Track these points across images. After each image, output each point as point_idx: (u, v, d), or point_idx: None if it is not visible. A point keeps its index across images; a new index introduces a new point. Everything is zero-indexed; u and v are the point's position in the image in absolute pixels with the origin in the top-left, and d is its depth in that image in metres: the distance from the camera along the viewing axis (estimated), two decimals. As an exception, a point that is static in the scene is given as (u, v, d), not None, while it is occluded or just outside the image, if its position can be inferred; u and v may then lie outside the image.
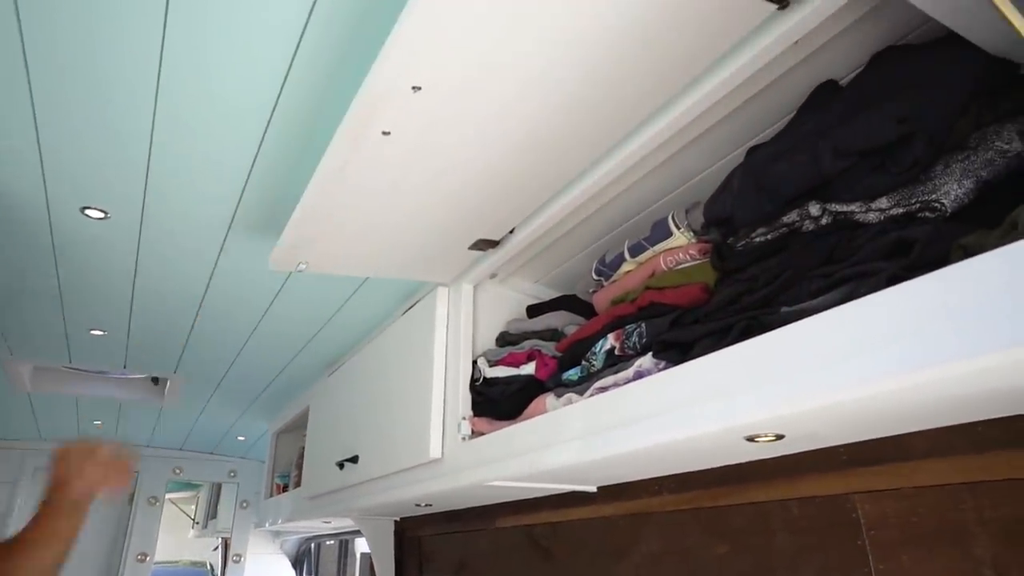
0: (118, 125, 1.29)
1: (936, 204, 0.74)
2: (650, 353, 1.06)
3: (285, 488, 3.34)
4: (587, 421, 1.09)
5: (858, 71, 0.95)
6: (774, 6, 0.81)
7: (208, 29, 1.06)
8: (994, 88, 0.80)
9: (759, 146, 1.02)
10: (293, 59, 1.12)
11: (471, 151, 1.10)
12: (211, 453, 4.86)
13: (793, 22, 0.81)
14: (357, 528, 2.55)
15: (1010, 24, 0.59)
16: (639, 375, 1.06)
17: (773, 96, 1.02)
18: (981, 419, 0.86)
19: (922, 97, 0.79)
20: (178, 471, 4.72)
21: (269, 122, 1.28)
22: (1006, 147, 0.74)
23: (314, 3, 1.00)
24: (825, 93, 0.97)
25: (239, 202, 1.57)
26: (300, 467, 2.87)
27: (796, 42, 0.85)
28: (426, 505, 2.00)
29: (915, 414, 0.83)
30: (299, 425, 3.17)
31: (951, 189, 0.74)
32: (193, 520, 6.94)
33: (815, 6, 0.78)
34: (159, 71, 1.15)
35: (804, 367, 0.74)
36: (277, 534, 4.48)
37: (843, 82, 0.98)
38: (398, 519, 2.55)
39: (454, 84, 0.93)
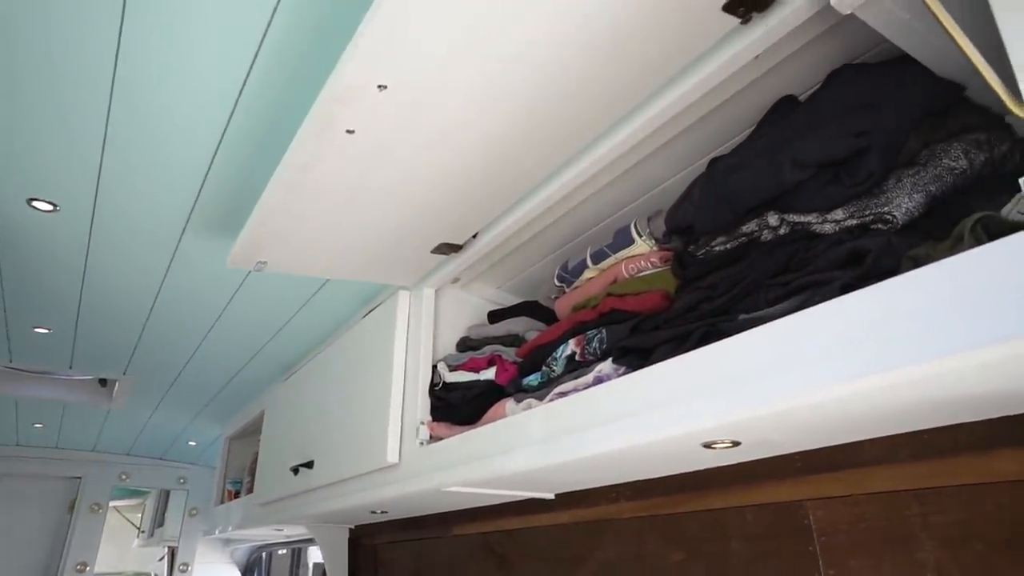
0: (70, 115, 1.24)
1: (888, 216, 0.77)
2: (610, 359, 1.07)
3: (237, 494, 3.25)
4: (546, 426, 1.09)
5: (816, 87, 0.98)
6: (737, 20, 0.83)
7: (167, 20, 1.03)
8: (943, 108, 0.83)
9: (720, 157, 1.04)
10: (257, 53, 1.10)
11: (436, 153, 1.09)
12: (160, 458, 4.70)
13: (755, 36, 0.83)
14: (310, 536, 2.50)
15: (955, 43, 0.61)
16: (599, 380, 1.06)
17: (735, 109, 1.04)
18: (927, 427, 0.88)
19: (877, 113, 0.82)
20: (124, 477, 4.54)
21: (231, 116, 1.25)
22: (953, 164, 0.77)
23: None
24: (784, 107, 1.00)
25: (197, 198, 1.53)
26: (253, 473, 2.80)
27: (757, 56, 0.87)
28: (382, 512, 1.97)
29: (865, 422, 0.85)
30: (253, 430, 3.09)
31: (902, 202, 0.76)
32: (138, 528, 6.70)
33: (776, 22, 0.81)
34: (115, 62, 1.11)
35: (759, 374, 0.76)
36: (227, 542, 4.36)
37: (802, 97, 1.01)
38: (353, 527, 2.50)
39: (421, 84, 0.92)
